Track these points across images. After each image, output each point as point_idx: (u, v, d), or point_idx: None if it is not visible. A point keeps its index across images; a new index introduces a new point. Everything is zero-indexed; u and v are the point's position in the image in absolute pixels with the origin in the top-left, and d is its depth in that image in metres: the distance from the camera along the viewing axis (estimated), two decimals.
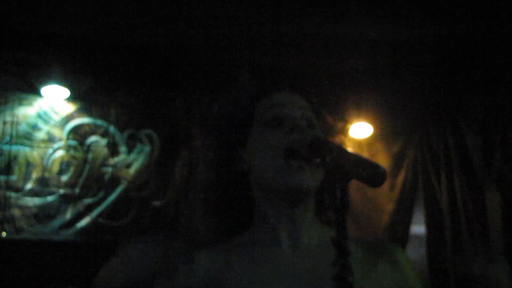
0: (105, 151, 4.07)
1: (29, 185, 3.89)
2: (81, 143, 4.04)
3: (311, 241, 1.24)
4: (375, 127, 4.16)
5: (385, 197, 4.14)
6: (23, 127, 3.91)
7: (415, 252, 4.06)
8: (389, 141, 4.19)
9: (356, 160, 1.09)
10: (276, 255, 1.23)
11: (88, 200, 3.99)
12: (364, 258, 1.23)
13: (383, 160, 4.03)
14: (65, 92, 4.01)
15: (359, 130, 4.15)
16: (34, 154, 3.93)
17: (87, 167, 4.03)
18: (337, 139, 1.33)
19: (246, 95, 1.35)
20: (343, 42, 3.90)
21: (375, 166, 1.07)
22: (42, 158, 3.93)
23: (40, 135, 3.97)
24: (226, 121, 1.33)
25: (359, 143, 4.16)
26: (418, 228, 4.16)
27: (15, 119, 3.88)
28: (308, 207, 1.27)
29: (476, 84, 4.09)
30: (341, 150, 1.11)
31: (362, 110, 4.07)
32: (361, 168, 1.07)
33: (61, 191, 3.95)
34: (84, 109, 4.07)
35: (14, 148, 3.86)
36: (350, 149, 1.12)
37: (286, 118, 1.27)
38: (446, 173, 4.10)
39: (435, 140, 4.21)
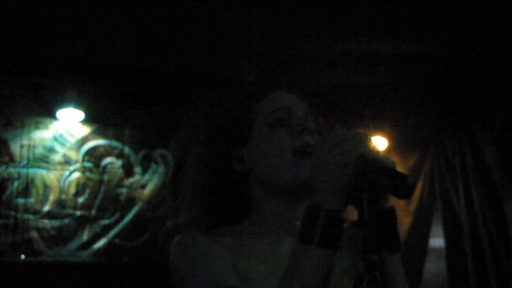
0: (120, 172, 4.19)
1: (46, 207, 4.03)
2: (97, 164, 4.17)
3: None
4: (391, 140, 4.19)
5: (403, 211, 4.22)
6: (39, 150, 4.05)
7: (434, 266, 4.14)
8: (405, 154, 4.27)
9: (383, 169, 1.06)
10: (278, 252, 1.25)
11: (104, 221, 4.12)
12: None
13: None
14: (80, 114, 4.14)
15: (374, 144, 4.16)
16: (51, 176, 4.07)
17: (102, 188, 4.15)
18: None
19: (247, 93, 1.38)
20: (357, 57, 4.02)
21: (404, 176, 1.03)
22: (58, 181, 4.07)
23: (57, 157, 4.11)
24: (226, 120, 1.35)
25: None
26: (436, 241, 4.21)
27: (31, 142, 4.02)
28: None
29: (492, 95, 4.16)
30: (372, 159, 1.08)
31: (377, 123, 4.15)
32: (389, 178, 1.04)
33: (78, 212, 4.09)
34: (99, 131, 4.20)
35: (31, 171, 4.00)
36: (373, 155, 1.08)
37: (292, 119, 1.29)
38: (464, 185, 4.18)
39: (451, 152, 4.30)
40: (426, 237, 4.23)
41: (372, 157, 1.09)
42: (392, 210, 1.10)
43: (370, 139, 1.13)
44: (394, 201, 1.09)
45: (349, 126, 1.31)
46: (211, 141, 1.35)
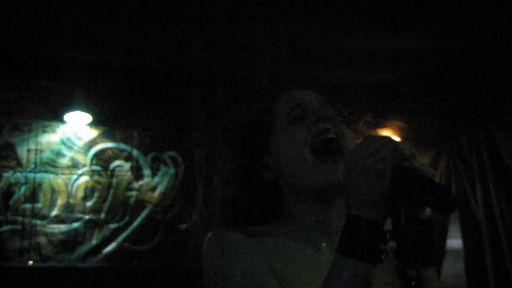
0: (129, 175, 4.18)
1: (54, 212, 4.02)
2: (105, 168, 4.16)
3: None
4: (404, 138, 4.18)
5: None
6: (47, 154, 4.04)
7: (453, 267, 4.09)
8: (419, 153, 4.16)
9: (422, 180, 1.03)
10: (314, 256, 1.24)
11: (113, 225, 4.11)
12: None
13: None
14: (88, 117, 4.15)
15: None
16: (59, 180, 4.06)
17: (111, 192, 4.15)
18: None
19: (262, 98, 1.38)
20: (369, 53, 3.99)
21: (445, 189, 1.01)
22: (66, 185, 4.06)
23: (64, 161, 4.10)
24: (245, 129, 1.36)
25: None
26: (454, 242, 4.17)
27: (38, 146, 4.02)
28: (342, 205, 1.23)
29: (509, 92, 4.12)
30: (409, 168, 1.05)
31: (389, 120, 4.10)
32: (428, 190, 1.01)
33: (86, 217, 4.09)
34: (107, 134, 4.20)
35: (39, 176, 4.00)
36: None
37: (308, 111, 1.29)
38: (481, 184, 4.12)
39: (468, 151, 4.25)
40: (443, 238, 4.17)
41: (410, 166, 1.06)
42: (429, 222, 1.07)
43: (407, 146, 1.10)
44: None
45: (359, 122, 1.28)
46: (235, 152, 1.35)
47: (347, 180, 1.11)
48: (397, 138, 4.05)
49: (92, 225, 4.08)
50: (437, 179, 4.14)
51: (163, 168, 4.24)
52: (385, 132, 4.07)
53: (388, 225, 1.08)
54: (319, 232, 1.26)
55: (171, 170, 4.25)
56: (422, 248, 1.05)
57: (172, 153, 4.27)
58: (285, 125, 1.30)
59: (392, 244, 1.05)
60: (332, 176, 1.21)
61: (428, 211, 1.05)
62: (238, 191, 1.32)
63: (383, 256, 1.05)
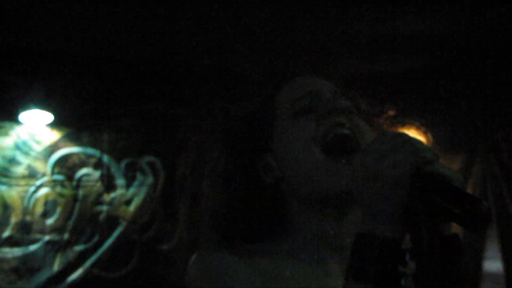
0: (98, 186, 4.00)
1: (6, 233, 3.83)
2: (70, 177, 3.98)
3: None
4: (431, 140, 3.80)
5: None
6: None
7: None
8: (448, 155, 3.95)
9: (447, 189, 0.96)
10: (321, 277, 1.19)
11: (79, 247, 3.92)
12: None
13: None
14: (48, 117, 3.94)
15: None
16: (13, 193, 3.90)
17: (77, 206, 3.96)
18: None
19: (262, 88, 1.33)
20: (395, 38, 3.80)
21: (475, 200, 0.94)
22: (22, 198, 3.90)
23: (19, 170, 3.93)
24: (241, 123, 1.30)
25: None
26: (493, 264, 3.90)
27: None
28: (356, 213, 1.19)
29: None
30: (432, 174, 0.98)
31: (414, 117, 3.74)
32: (454, 201, 0.95)
33: (47, 237, 3.86)
34: (72, 136, 4.02)
35: None
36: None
37: (318, 101, 1.23)
38: None
39: (506, 153, 4.01)
40: (479, 259, 3.86)
41: (432, 171, 0.98)
42: (456, 239, 1.01)
43: (429, 146, 1.01)
44: None
45: (380, 118, 1.29)
46: (229, 151, 1.30)
47: (356, 189, 1.05)
48: (417, 137, 3.92)
49: (54, 247, 3.88)
50: (468, 188, 3.93)
51: (139, 177, 4.04)
52: (408, 130, 3.77)
53: (407, 243, 1.02)
54: (329, 250, 1.22)
55: (150, 179, 4.04)
56: (448, 271, 0.99)
57: (150, 158, 4.06)
58: (290, 118, 1.25)
59: (412, 267, 1.01)
60: (346, 180, 1.15)
61: (455, 226, 0.99)
62: (231, 199, 1.27)
63: (402, 282, 0.99)
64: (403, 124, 3.68)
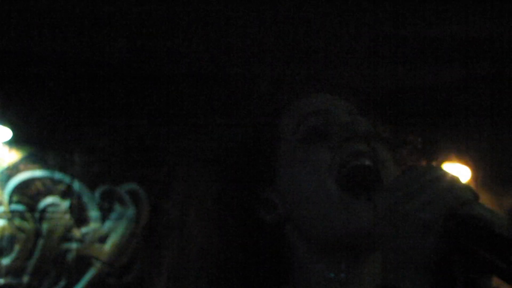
0: (67, 218, 3.79)
1: None
2: (31, 207, 3.78)
3: None
4: (476, 171, 3.69)
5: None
6: None
7: None
8: (497, 190, 3.67)
9: (489, 236, 0.84)
10: None
11: None
12: None
13: None
14: (6, 133, 3.76)
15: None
16: None
17: (40, 243, 3.75)
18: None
19: (264, 106, 1.18)
20: (426, 44, 3.58)
21: None
22: None
23: None
24: (236, 150, 1.16)
25: None
26: None
27: None
28: (378, 260, 1.05)
29: None
30: (471, 217, 0.87)
31: (456, 145, 3.65)
32: (498, 253, 0.82)
33: (1, 280, 3.67)
34: (35, 157, 3.82)
35: None
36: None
37: (333, 125, 1.10)
38: None
39: None
40: None
41: (471, 213, 0.88)
42: None
43: (467, 185, 0.92)
44: None
45: (402, 149, 1.20)
46: (221, 184, 1.15)
47: (378, 233, 0.95)
48: (453, 172, 3.69)
49: None
50: None
51: (118, 209, 3.84)
52: (441, 164, 3.59)
53: None
54: None
55: (130, 212, 3.84)
56: None
57: (131, 186, 3.85)
58: (298, 144, 1.10)
59: None
60: (366, 220, 1.02)
61: (496, 281, 0.89)
62: (223, 243, 1.11)
63: None
64: (433, 157, 3.69)
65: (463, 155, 3.70)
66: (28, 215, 3.77)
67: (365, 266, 1.09)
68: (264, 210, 1.11)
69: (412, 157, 1.21)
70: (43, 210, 3.82)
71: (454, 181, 0.93)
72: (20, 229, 3.74)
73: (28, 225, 3.76)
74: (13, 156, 3.82)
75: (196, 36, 3.69)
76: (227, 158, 1.18)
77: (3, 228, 3.73)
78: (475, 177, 3.73)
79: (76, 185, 3.82)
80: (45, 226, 3.76)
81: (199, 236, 1.17)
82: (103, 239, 3.80)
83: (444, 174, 0.94)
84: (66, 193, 3.82)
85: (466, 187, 0.93)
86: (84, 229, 3.79)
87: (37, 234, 3.76)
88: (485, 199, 3.67)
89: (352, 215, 1.05)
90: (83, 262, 3.78)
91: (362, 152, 1.08)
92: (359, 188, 1.06)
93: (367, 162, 1.07)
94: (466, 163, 3.70)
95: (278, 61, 3.77)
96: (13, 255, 3.72)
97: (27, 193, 3.78)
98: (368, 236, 1.04)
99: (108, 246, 3.76)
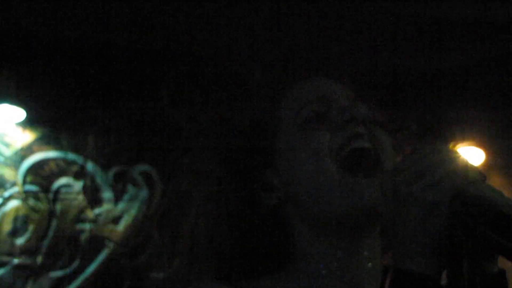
0: (80, 199, 3.81)
1: None
2: (45, 188, 3.80)
3: None
4: (490, 153, 3.71)
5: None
6: None
7: None
8: (502, 176, 3.68)
9: (496, 216, 0.86)
10: None
11: (56, 273, 3.74)
12: None
13: None
14: (20, 114, 3.76)
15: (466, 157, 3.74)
16: None
17: (54, 224, 3.77)
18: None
19: (265, 90, 1.23)
20: (442, 25, 3.54)
21: None
22: None
23: None
24: (236, 133, 1.20)
25: None
26: None
27: None
28: (377, 241, 1.12)
29: None
30: (478, 197, 0.89)
31: (469, 126, 3.64)
32: (505, 233, 0.84)
33: (16, 260, 3.68)
34: (49, 138, 3.84)
35: None
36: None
37: (333, 108, 1.14)
38: None
39: None
40: None
41: (477, 194, 0.90)
42: (502, 276, 0.95)
43: (474, 166, 0.95)
44: None
45: (425, 132, 1.25)
46: (223, 168, 1.20)
47: (385, 214, 1.02)
48: (478, 153, 3.78)
49: (24, 272, 3.66)
50: None
51: (131, 190, 3.84)
52: (459, 147, 3.62)
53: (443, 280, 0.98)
54: (346, 283, 1.10)
55: (143, 193, 3.84)
56: None
57: (145, 167, 3.85)
58: (298, 127, 1.14)
59: None
60: (366, 198, 1.06)
61: (502, 261, 0.93)
62: (225, 225, 1.16)
63: None
64: (445, 139, 3.57)
65: (477, 137, 3.69)
66: (41, 195, 3.80)
67: (365, 248, 1.11)
68: (265, 192, 1.14)
69: (409, 142, 1.22)
70: (57, 191, 3.84)
71: (461, 162, 0.95)
72: (34, 209, 3.78)
73: (42, 206, 3.79)
74: (27, 137, 3.84)
75: (208, 30, 3.62)
76: (229, 142, 1.20)
77: (17, 209, 3.76)
78: (488, 159, 3.72)
79: (90, 166, 3.84)
80: (58, 206, 3.80)
81: (206, 219, 1.19)
82: (116, 220, 3.82)
83: (451, 155, 0.95)
84: (79, 174, 3.86)
85: (472, 167, 0.94)
86: (97, 210, 3.82)
87: (51, 214, 3.79)
88: (498, 182, 3.54)
89: (352, 193, 1.07)
90: (96, 242, 3.80)
91: (361, 134, 1.10)
92: (359, 170, 1.08)
93: (366, 145, 1.09)
94: (480, 146, 3.69)
95: (277, 48, 3.64)
96: (27, 235, 3.76)
97: (40, 174, 3.82)
98: (368, 214, 1.07)
99: (121, 227, 3.80)
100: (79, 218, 3.84)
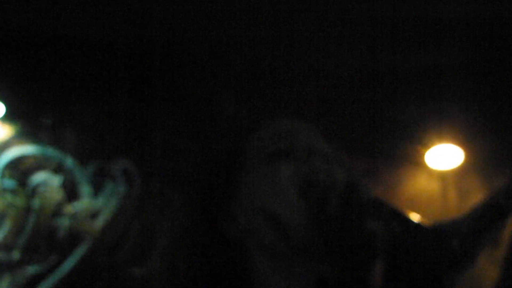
0: (59, 194, 3.72)
1: None
2: (23, 183, 3.71)
3: None
4: (469, 152, 3.72)
5: (486, 259, 3.30)
6: None
7: None
8: (491, 173, 3.69)
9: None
10: None
11: (32, 269, 3.63)
12: None
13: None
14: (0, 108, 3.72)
15: (443, 157, 3.77)
16: None
17: (31, 219, 3.69)
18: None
19: (232, 128, 1.42)
20: (419, 24, 3.54)
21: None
22: None
23: None
24: (206, 170, 1.28)
25: (442, 177, 3.75)
26: None
27: None
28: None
29: None
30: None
31: (446, 125, 3.68)
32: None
33: None
34: (27, 133, 3.75)
35: None
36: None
37: (297, 147, 1.22)
38: None
39: None
40: None
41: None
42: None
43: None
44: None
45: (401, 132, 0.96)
46: (188, 200, 1.36)
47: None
48: (457, 151, 3.82)
49: (1, 268, 3.61)
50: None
51: (110, 185, 3.78)
52: (435, 146, 3.74)
53: None
54: None
55: (122, 188, 3.77)
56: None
57: (124, 163, 3.78)
58: (264, 162, 1.25)
59: None
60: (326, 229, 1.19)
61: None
62: (192, 255, 1.29)
63: None
64: (421, 140, 3.64)
65: (456, 136, 3.71)
66: (19, 190, 3.72)
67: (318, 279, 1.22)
68: (227, 223, 1.23)
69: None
70: (35, 187, 3.76)
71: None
72: (11, 205, 3.69)
73: (19, 201, 3.71)
74: (4, 132, 3.75)
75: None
76: (196, 175, 1.32)
77: None
78: (468, 158, 3.74)
79: (68, 161, 3.77)
80: (36, 202, 3.71)
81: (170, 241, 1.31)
82: (94, 216, 3.77)
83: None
84: (58, 169, 3.76)
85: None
86: (75, 205, 3.75)
87: (29, 210, 3.71)
88: (477, 181, 3.69)
89: (312, 223, 1.18)
90: (74, 238, 3.70)
91: (319, 168, 1.21)
92: (318, 200, 1.18)
93: (325, 177, 1.20)
94: (459, 144, 3.72)
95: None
96: (3, 230, 3.67)
97: (18, 169, 3.72)
98: (326, 244, 1.18)
99: (99, 222, 3.75)
100: (57, 213, 3.74)
